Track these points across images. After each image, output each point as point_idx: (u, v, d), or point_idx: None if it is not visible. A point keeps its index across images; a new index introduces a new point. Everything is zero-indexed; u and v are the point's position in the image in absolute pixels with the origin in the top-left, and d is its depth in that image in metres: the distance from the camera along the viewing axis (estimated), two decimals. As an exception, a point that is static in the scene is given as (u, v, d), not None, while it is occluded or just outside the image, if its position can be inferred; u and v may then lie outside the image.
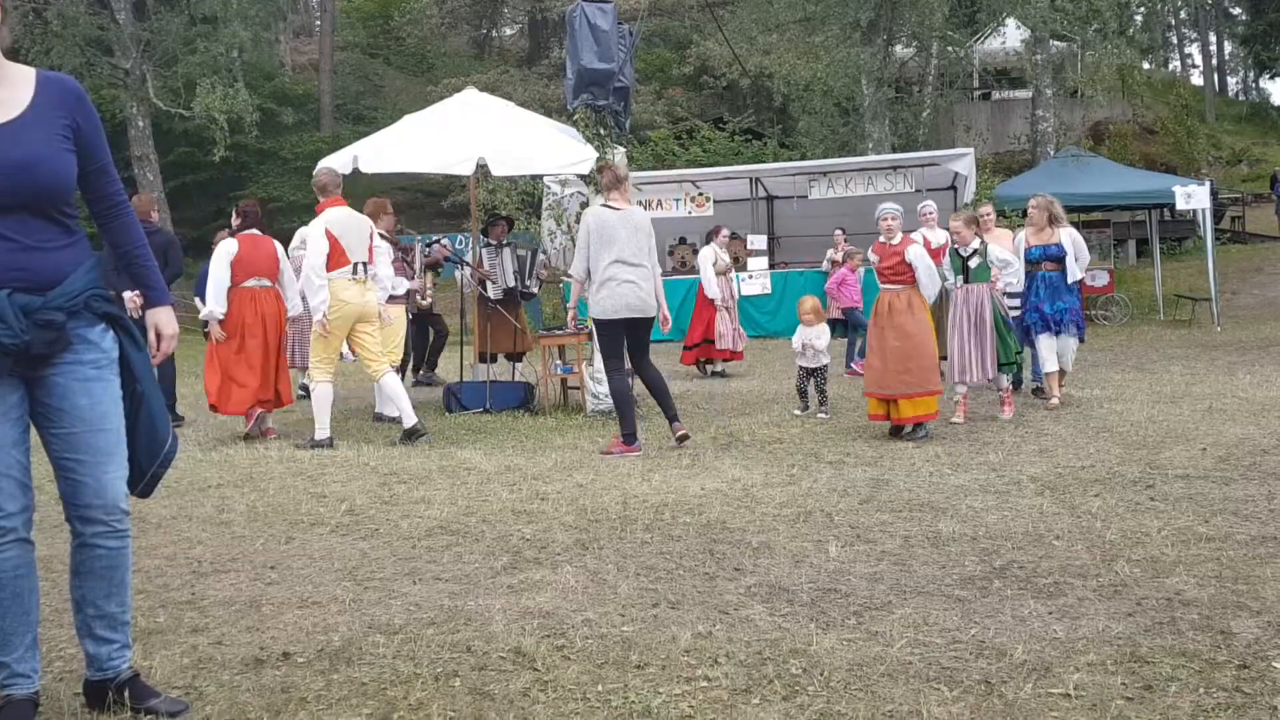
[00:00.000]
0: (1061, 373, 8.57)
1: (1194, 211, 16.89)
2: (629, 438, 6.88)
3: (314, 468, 6.69)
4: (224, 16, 23.72)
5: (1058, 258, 8.53)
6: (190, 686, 3.10)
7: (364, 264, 7.59)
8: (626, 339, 6.95)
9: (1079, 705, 2.79)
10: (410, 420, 7.60)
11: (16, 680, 2.75)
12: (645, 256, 6.99)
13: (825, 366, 8.63)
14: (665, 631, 3.44)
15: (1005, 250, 8.40)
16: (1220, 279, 16.92)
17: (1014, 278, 8.41)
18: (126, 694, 2.88)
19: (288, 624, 3.63)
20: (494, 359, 10.01)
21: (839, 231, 16.52)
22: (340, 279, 7.47)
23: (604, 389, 8.64)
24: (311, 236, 7.56)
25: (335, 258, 7.44)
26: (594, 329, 6.94)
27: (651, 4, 28.44)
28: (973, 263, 8.01)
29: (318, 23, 37.42)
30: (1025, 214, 9.09)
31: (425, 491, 5.86)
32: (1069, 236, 8.59)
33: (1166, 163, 26.17)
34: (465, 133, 8.96)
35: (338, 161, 8.96)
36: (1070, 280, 8.54)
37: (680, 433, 6.95)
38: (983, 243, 8.07)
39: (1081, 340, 8.83)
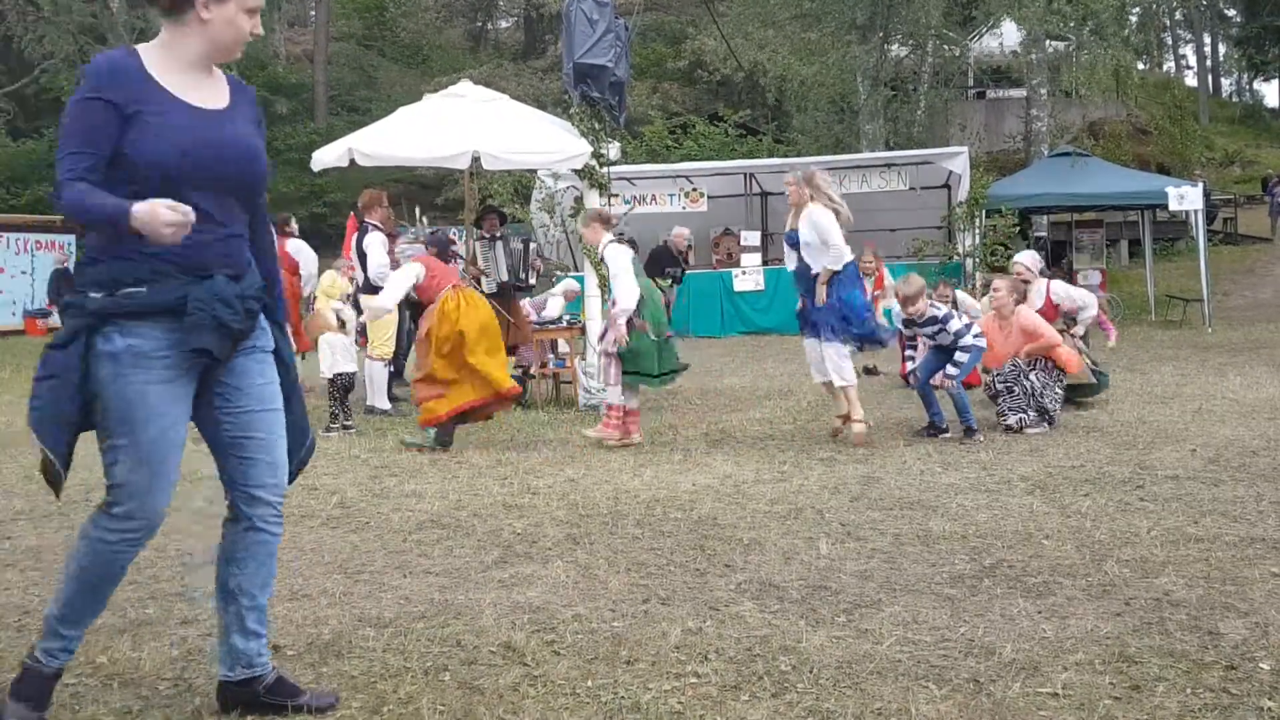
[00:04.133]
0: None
1: (1187, 212, 16.92)
2: None
3: (305, 460, 6.67)
4: (218, 6, 23.65)
5: (796, 244, 6.98)
6: (180, 678, 3.09)
7: None
8: None
9: (1067, 704, 2.80)
10: None
11: (59, 655, 2.71)
12: None
13: None
14: (655, 627, 3.44)
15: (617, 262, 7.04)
16: (1212, 280, 16.94)
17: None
18: (275, 692, 2.79)
19: (277, 616, 3.62)
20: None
21: (833, 229, 16.52)
22: None
23: (596, 383, 8.64)
24: None
25: None
26: None
27: (647, -2, 28.42)
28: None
29: (312, 13, 37.27)
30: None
31: (416, 485, 5.85)
32: (808, 217, 6.77)
33: (1160, 163, 26.22)
34: (460, 125, 8.94)
35: (333, 154, 8.94)
36: (814, 272, 6.82)
37: None
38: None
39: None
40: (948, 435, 7.17)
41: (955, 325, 7.18)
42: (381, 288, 8.78)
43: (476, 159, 8.68)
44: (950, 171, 16.86)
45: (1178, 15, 45.79)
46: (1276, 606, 3.52)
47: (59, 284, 18.36)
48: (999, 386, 7.42)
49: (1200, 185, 16.59)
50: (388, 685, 3.01)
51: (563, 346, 9.83)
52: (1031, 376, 7.37)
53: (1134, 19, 22.85)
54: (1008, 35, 23.78)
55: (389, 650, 3.29)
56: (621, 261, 7.07)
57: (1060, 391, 7.56)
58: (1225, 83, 52.77)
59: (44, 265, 21.06)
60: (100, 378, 2.55)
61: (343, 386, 7.83)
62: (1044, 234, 19.72)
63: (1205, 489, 5.34)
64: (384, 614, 3.63)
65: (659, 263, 12.07)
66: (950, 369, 7.15)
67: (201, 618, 3.63)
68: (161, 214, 2.42)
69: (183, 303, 2.55)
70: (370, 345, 8.89)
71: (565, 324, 9.63)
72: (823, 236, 6.72)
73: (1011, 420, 7.34)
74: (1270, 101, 48.98)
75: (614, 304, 7.13)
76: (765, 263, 18.28)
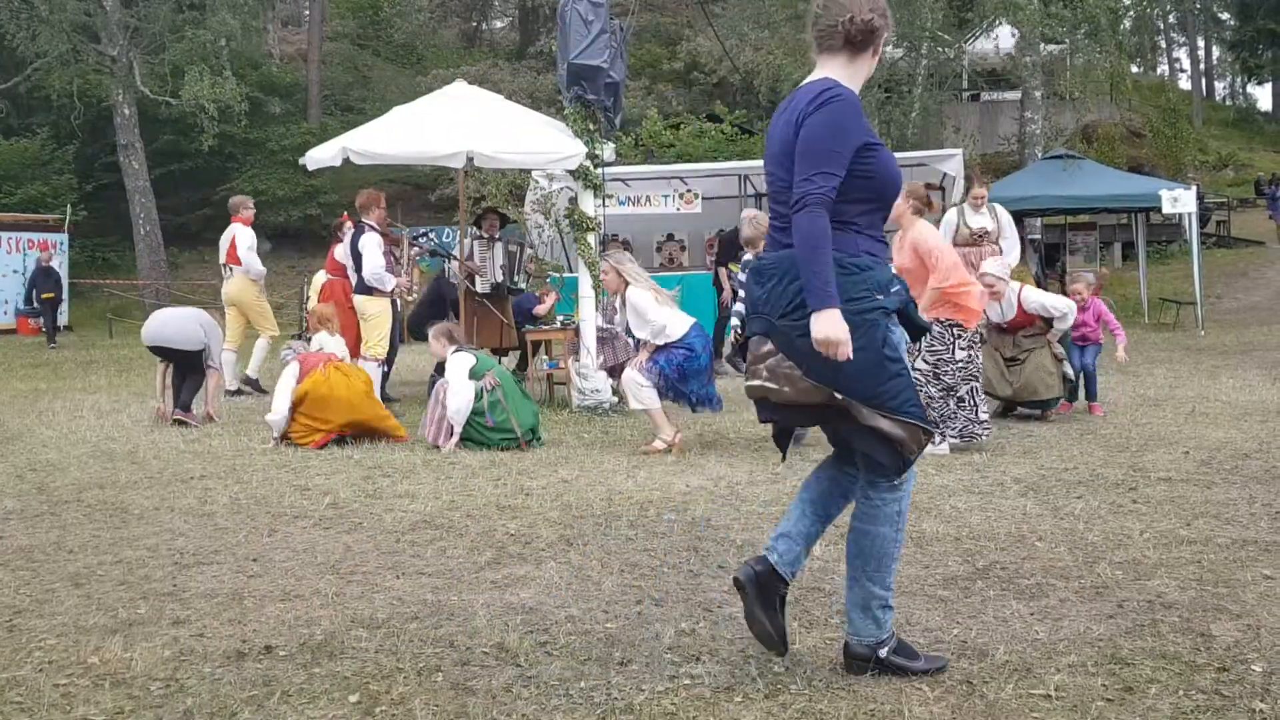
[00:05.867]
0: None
1: (1180, 215, 16.96)
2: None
3: (297, 460, 6.67)
4: (212, 4, 23.57)
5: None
6: (171, 679, 3.08)
7: (222, 265, 10.49)
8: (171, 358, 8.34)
9: (1060, 706, 2.80)
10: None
11: (888, 624, 3.02)
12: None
13: None
14: (649, 628, 3.44)
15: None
16: (1205, 283, 16.98)
17: None
18: (900, 653, 3.04)
19: (270, 617, 3.62)
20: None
21: (827, 230, 16.52)
22: None
23: (590, 384, 8.64)
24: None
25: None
26: None
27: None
28: None
29: (306, 12, 37.22)
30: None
31: (409, 485, 5.84)
32: (628, 303, 7.04)
33: (1154, 166, 26.28)
34: (454, 125, 8.94)
35: (327, 153, 8.93)
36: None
37: (178, 418, 8.19)
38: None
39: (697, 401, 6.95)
40: (806, 441, 6.73)
41: None
42: (375, 289, 8.79)
43: (471, 159, 8.68)
44: (944, 174, 16.87)
45: (1171, 19, 45.95)
46: (1268, 609, 3.53)
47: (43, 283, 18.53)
48: None
49: (1194, 188, 16.63)
50: (380, 686, 3.01)
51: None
52: (919, 363, 6.49)
53: (1128, 23, 22.91)
54: (1002, 38, 23.87)
55: (382, 651, 3.28)
56: (459, 370, 7.03)
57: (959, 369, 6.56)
58: (1219, 86, 52.97)
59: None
60: (899, 365, 2.94)
61: None
62: (1038, 236, 19.77)
63: (1198, 491, 5.35)
64: (377, 615, 3.63)
65: (730, 248, 12.10)
66: None
67: (193, 618, 3.62)
68: (843, 337, 2.77)
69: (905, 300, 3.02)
70: (365, 345, 8.88)
71: (559, 325, 9.62)
72: (642, 316, 6.94)
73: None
74: (1264, 105, 49.09)
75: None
76: (760, 264, 18.31)
